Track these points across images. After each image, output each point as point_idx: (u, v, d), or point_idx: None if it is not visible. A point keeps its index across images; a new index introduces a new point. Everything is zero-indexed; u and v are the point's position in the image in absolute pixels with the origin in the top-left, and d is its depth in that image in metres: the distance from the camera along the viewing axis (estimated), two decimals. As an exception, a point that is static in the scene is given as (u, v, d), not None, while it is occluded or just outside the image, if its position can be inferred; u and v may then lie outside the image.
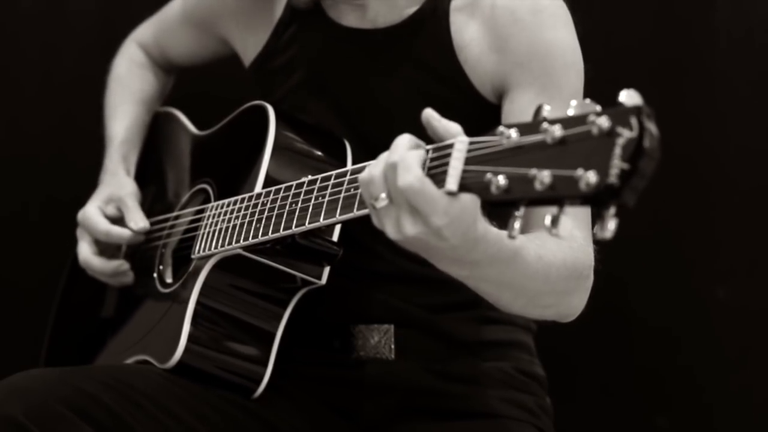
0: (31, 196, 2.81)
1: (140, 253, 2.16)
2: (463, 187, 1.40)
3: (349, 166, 1.73)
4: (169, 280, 2.07)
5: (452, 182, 1.41)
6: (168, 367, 1.92)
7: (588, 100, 1.31)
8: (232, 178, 1.99)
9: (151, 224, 2.17)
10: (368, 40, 2.01)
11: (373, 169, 1.49)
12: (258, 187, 1.90)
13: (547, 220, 1.31)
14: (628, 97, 1.27)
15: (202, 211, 2.02)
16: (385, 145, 1.51)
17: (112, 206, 2.19)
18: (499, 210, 1.40)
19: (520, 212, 1.35)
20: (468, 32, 1.93)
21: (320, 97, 2.04)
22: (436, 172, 1.43)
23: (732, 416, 2.60)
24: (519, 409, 2.02)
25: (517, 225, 1.36)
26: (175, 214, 2.13)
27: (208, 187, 2.07)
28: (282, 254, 1.88)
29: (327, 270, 1.92)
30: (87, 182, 2.28)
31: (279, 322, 1.95)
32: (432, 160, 1.45)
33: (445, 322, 2.00)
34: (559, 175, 1.28)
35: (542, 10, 1.89)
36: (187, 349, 1.91)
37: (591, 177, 1.25)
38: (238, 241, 1.87)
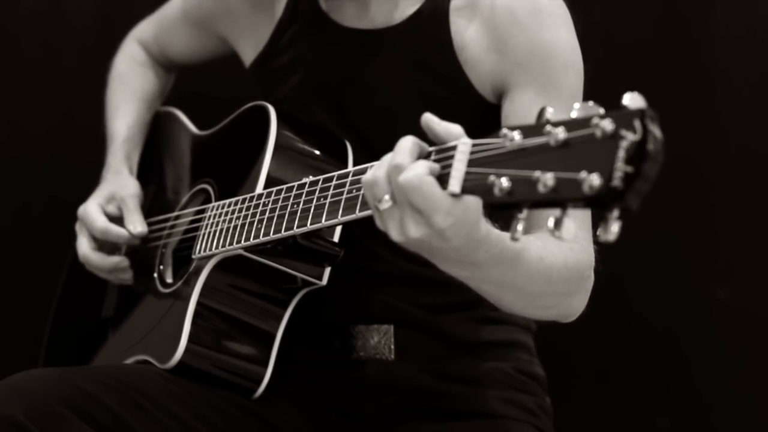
0: (32, 196, 2.81)
1: (140, 252, 2.16)
2: (466, 189, 1.40)
3: (351, 168, 1.73)
4: (169, 280, 2.07)
5: (455, 184, 1.41)
6: (168, 367, 1.92)
7: (591, 103, 1.31)
8: (233, 178, 1.99)
9: (152, 224, 2.17)
10: (368, 41, 2.01)
11: (377, 170, 1.48)
12: (259, 188, 1.90)
13: (550, 223, 1.31)
14: (631, 100, 1.27)
15: (202, 211, 2.02)
16: (386, 146, 1.50)
17: (113, 205, 2.19)
18: (502, 212, 1.40)
19: (523, 214, 1.35)
20: (468, 32, 1.93)
21: (320, 97, 2.04)
22: (439, 174, 1.43)
23: (731, 416, 2.61)
24: (519, 409, 2.02)
25: (519, 227, 1.36)
26: (175, 214, 2.13)
27: (209, 188, 2.07)
28: (283, 255, 1.88)
29: (328, 271, 1.92)
30: (87, 182, 2.28)
31: (279, 323, 1.95)
32: (435, 162, 1.44)
33: (445, 322, 2.00)
34: (563, 178, 1.28)
35: (541, 10, 1.89)
36: (187, 350, 1.91)
37: (594, 180, 1.25)
38: (239, 242, 1.87)
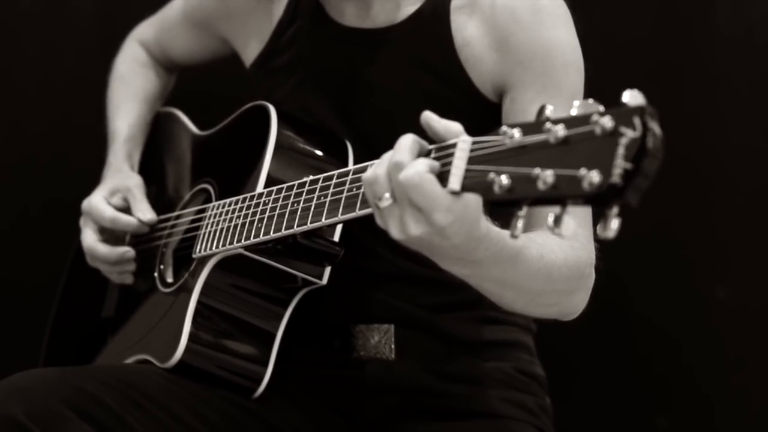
0: (32, 196, 2.81)
1: (141, 252, 2.16)
2: (466, 186, 1.40)
3: (351, 166, 1.73)
4: (169, 280, 2.07)
5: (455, 182, 1.41)
6: (168, 366, 1.92)
7: (591, 100, 1.31)
8: (234, 177, 1.99)
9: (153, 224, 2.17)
10: (369, 40, 2.01)
11: (377, 168, 1.48)
12: (259, 187, 1.90)
13: (550, 220, 1.31)
14: (631, 97, 1.27)
15: (203, 210, 2.02)
16: (386, 145, 1.51)
17: (118, 197, 2.19)
18: (502, 209, 1.40)
19: (523, 212, 1.35)
20: (468, 31, 1.93)
21: (321, 97, 2.04)
22: (439, 171, 1.43)
23: (732, 416, 2.60)
24: (519, 409, 2.02)
25: (519, 224, 1.36)
26: (176, 213, 2.13)
27: (210, 187, 2.07)
28: (283, 254, 1.88)
29: (328, 270, 1.92)
30: (87, 182, 2.28)
31: (280, 322, 1.95)
32: (435, 159, 1.45)
33: (446, 322, 2.00)
34: (562, 175, 1.28)
35: (542, 9, 1.89)
36: (187, 349, 1.91)
37: (594, 177, 1.25)
38: (239, 241, 1.87)
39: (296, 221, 1.75)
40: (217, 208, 1.96)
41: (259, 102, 2.03)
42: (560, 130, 1.30)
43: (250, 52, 2.18)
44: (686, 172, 2.54)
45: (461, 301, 1.98)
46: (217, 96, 2.33)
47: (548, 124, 1.32)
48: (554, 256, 1.65)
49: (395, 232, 1.48)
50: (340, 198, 1.67)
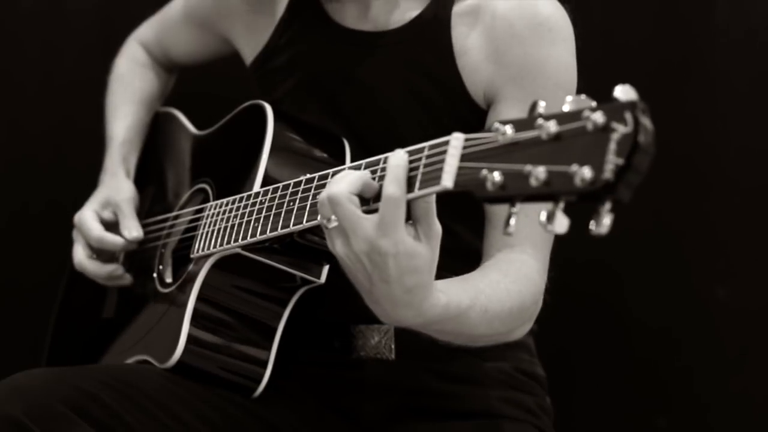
0: (31, 197, 2.82)
1: (140, 253, 2.16)
2: (459, 183, 1.40)
3: (348, 164, 1.73)
4: (168, 280, 2.07)
5: (448, 179, 1.41)
6: (168, 366, 1.92)
7: (583, 96, 1.31)
8: (231, 177, 1.99)
9: (151, 224, 2.17)
10: (369, 42, 2.01)
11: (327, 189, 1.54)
12: (256, 187, 1.90)
13: (543, 216, 1.31)
14: (622, 92, 1.27)
15: (201, 210, 2.02)
16: (382, 147, 1.52)
17: (109, 211, 2.19)
18: (495, 205, 1.40)
19: (516, 208, 1.35)
20: (468, 39, 1.93)
21: (319, 98, 2.04)
22: (432, 169, 1.44)
23: (731, 417, 2.60)
24: (519, 409, 2.02)
25: (512, 221, 1.36)
26: (174, 213, 2.13)
27: (207, 187, 2.07)
28: (281, 253, 1.88)
29: (326, 269, 1.92)
30: (87, 183, 2.28)
31: (279, 321, 1.95)
32: (428, 157, 1.45)
33: (445, 321, 2.01)
34: (554, 171, 1.29)
35: (542, 24, 1.88)
36: (186, 349, 1.91)
37: (586, 172, 1.25)
38: (236, 241, 1.86)
39: (293, 220, 1.75)
40: (215, 208, 1.96)
41: (256, 101, 2.03)
42: (552, 126, 1.30)
43: (250, 51, 2.18)
44: (686, 172, 2.54)
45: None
46: (217, 96, 2.33)
47: (540, 120, 1.32)
48: (499, 307, 1.69)
49: (332, 250, 1.56)
50: (337, 196, 1.67)
